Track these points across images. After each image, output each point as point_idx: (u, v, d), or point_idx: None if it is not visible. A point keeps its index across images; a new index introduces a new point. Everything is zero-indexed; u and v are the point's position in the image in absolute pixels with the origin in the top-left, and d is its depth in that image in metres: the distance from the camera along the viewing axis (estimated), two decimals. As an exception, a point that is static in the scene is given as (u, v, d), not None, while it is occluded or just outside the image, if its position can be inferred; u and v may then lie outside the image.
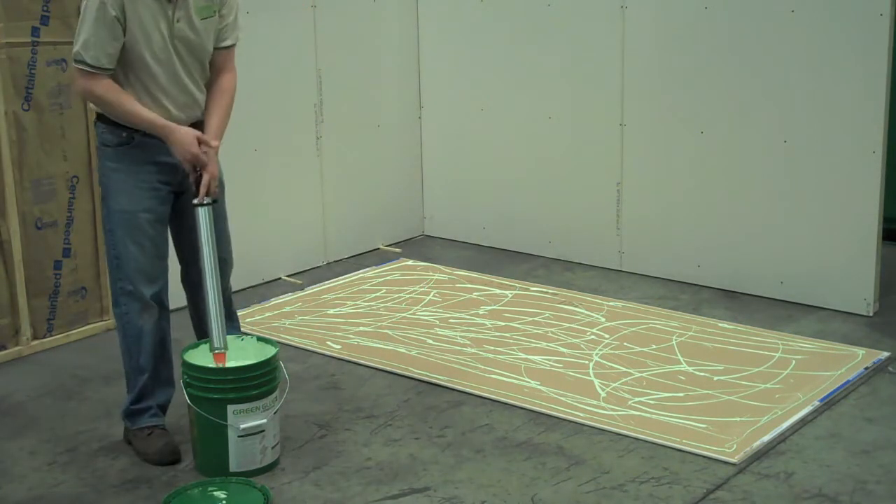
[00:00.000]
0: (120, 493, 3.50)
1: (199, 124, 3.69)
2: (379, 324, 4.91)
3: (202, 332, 3.95)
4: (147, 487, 3.53)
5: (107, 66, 3.49)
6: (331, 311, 5.09)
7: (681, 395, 4.12)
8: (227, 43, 3.78)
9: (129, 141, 3.61)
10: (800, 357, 4.44)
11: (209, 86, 3.75)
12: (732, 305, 5.06)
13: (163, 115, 3.58)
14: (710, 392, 4.14)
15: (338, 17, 5.70)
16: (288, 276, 5.60)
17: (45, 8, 4.55)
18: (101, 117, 3.66)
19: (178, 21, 3.58)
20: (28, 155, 4.57)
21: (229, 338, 3.77)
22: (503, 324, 4.87)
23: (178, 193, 3.74)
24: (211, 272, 3.64)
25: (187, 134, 3.57)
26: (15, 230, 4.54)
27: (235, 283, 5.32)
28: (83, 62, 3.48)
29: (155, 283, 3.68)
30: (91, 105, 3.70)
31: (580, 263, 5.72)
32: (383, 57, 6.02)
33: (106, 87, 3.51)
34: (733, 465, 3.60)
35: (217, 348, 3.61)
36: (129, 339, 3.71)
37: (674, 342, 4.62)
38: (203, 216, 3.61)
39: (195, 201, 3.61)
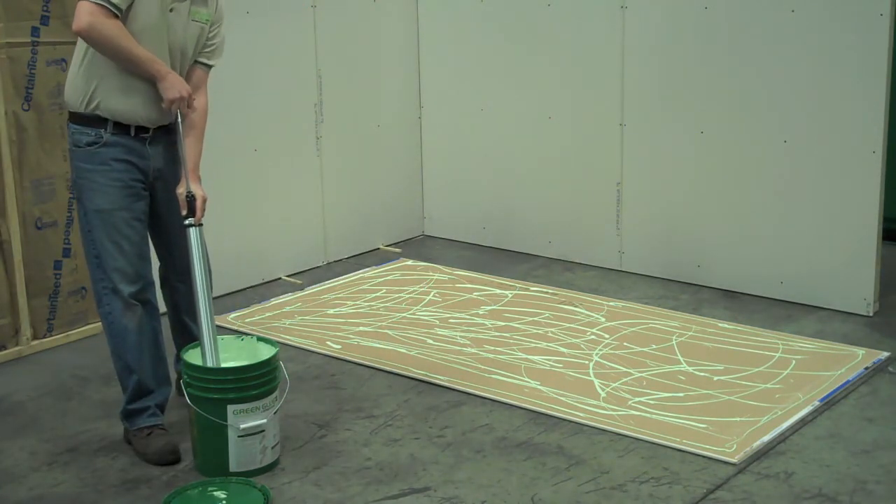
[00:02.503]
0: (120, 493, 3.50)
1: (161, 129, 3.71)
2: (379, 324, 4.91)
3: (179, 336, 4.01)
4: (147, 487, 3.53)
5: (122, 8, 3.49)
6: (331, 311, 5.09)
7: (681, 395, 4.12)
8: (209, 61, 3.82)
9: (99, 140, 3.62)
10: (800, 357, 4.44)
11: None
12: (732, 305, 5.06)
13: (140, 102, 3.60)
14: (710, 392, 4.14)
15: (338, 17, 5.70)
16: (288, 276, 5.60)
17: (45, 8, 4.55)
18: (73, 117, 3.68)
19: (170, 11, 3.61)
20: (28, 155, 4.57)
21: (229, 337, 3.79)
22: (503, 324, 4.87)
23: (151, 195, 3.76)
24: (203, 290, 3.66)
25: (180, 78, 3.64)
26: (15, 230, 4.54)
27: (235, 283, 5.37)
28: None
29: (136, 282, 3.68)
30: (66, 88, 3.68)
31: (580, 263, 5.72)
32: (383, 57, 6.02)
33: (115, 25, 3.49)
34: (733, 465, 3.59)
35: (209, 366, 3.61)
36: (116, 338, 3.71)
37: (674, 342, 4.62)
38: (194, 236, 3.67)
39: (186, 222, 3.67)
